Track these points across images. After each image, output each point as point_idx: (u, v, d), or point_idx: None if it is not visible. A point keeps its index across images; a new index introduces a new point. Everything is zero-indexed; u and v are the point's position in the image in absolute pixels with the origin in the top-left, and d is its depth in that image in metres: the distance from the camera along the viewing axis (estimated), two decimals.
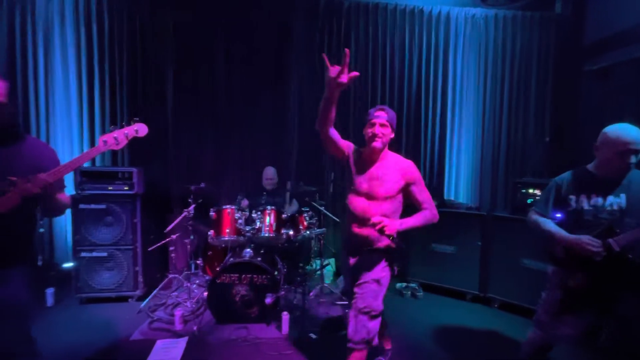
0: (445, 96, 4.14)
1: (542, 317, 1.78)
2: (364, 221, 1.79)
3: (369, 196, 1.80)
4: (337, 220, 3.64)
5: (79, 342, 2.45)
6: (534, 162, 4.01)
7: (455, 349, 2.48)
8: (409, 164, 1.86)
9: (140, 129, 1.53)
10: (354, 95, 4.09)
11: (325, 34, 4.02)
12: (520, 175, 3.88)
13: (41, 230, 3.61)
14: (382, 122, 1.78)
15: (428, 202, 1.85)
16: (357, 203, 1.83)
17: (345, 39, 4.04)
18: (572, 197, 1.70)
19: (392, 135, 1.84)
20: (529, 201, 3.02)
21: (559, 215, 1.76)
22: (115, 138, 1.46)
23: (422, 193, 1.86)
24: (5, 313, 1.33)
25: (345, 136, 4.35)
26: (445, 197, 3.99)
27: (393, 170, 1.82)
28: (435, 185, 4.15)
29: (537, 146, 4.01)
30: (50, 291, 3.04)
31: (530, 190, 3.05)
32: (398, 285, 3.50)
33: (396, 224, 1.71)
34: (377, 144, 1.77)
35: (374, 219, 1.66)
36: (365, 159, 1.86)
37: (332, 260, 3.79)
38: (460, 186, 4.21)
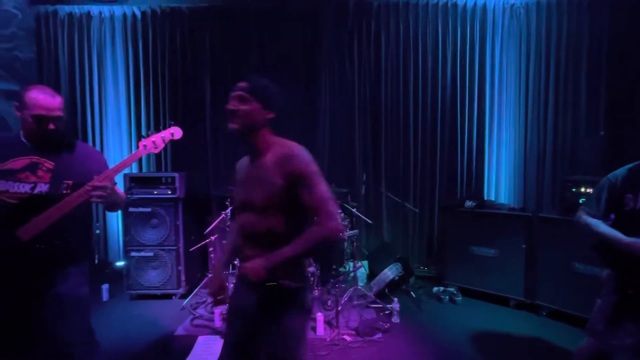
0: (483, 92, 3.93)
1: (597, 326, 1.64)
2: (249, 244, 1.28)
3: (248, 207, 1.27)
4: (370, 222, 3.61)
5: (131, 335, 2.65)
6: (586, 158, 3.66)
7: (499, 358, 2.35)
8: (288, 151, 1.23)
9: (175, 132, 1.61)
10: (384, 97, 4.03)
11: (355, 34, 4.01)
12: (570, 172, 3.57)
13: (97, 231, 3.98)
14: (240, 95, 1.29)
15: (321, 210, 1.18)
16: (239, 219, 1.33)
17: (376, 38, 4.00)
18: (629, 195, 1.54)
19: (269, 115, 1.30)
20: (580, 200, 2.78)
21: (612, 215, 1.60)
22: (153, 142, 1.55)
23: (312, 195, 1.19)
24: (68, 306, 1.48)
25: (375, 139, 4.26)
26: (485, 198, 3.79)
27: (271, 165, 1.24)
28: (474, 185, 3.96)
29: (590, 141, 3.67)
30: (105, 287, 3.33)
31: (582, 189, 2.81)
32: (435, 289, 3.38)
33: (260, 266, 1.15)
34: (232, 125, 1.26)
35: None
36: (247, 158, 1.39)
37: (365, 263, 3.75)
38: (501, 186, 3.97)
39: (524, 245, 3.02)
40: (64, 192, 1.44)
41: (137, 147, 1.55)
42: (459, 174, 3.99)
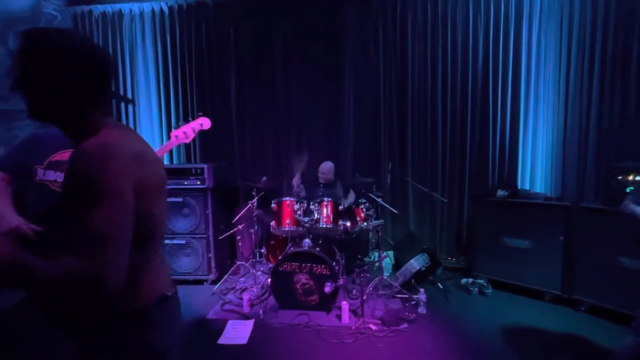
0: (518, 74, 3.68)
1: None
2: None
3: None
4: (395, 212, 3.55)
5: None
6: (636, 143, 3.34)
7: (530, 353, 2.26)
8: (81, 149, 0.77)
9: (204, 122, 1.69)
10: (411, 83, 3.89)
11: (379, 20, 3.88)
12: (617, 159, 3.28)
13: None
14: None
15: (85, 238, 0.74)
16: None
17: (402, 24, 3.85)
18: None
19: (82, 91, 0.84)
20: (628, 190, 2.56)
21: None
22: (184, 132, 1.63)
23: (84, 212, 0.74)
24: None
25: (402, 126, 4.16)
26: (519, 187, 3.59)
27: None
28: (506, 173, 3.76)
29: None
30: None
31: (630, 177, 2.58)
32: (464, 280, 3.29)
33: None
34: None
35: None
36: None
37: (390, 253, 3.72)
38: (537, 174, 3.73)
39: (561, 237, 2.85)
40: None
41: (169, 138, 1.63)
42: (491, 161, 3.80)
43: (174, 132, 1.64)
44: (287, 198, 3.12)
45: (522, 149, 3.75)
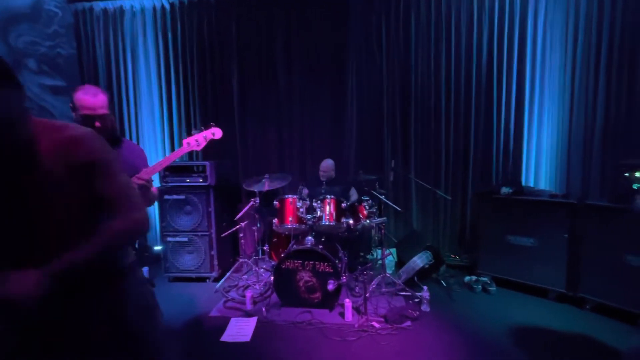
0: (523, 69, 3.63)
1: None
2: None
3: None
4: (398, 209, 3.53)
5: (169, 315, 2.80)
6: None
7: (535, 352, 2.24)
8: (73, 135, 0.96)
9: (216, 132, 1.74)
10: (414, 80, 3.85)
11: (382, 15, 3.84)
12: (624, 156, 3.23)
13: None
14: None
15: (123, 199, 1.01)
16: None
17: (405, 17, 3.81)
18: None
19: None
20: (635, 187, 2.53)
21: None
22: (196, 140, 1.68)
23: (111, 181, 0.99)
24: None
25: (405, 122, 4.12)
26: (524, 184, 3.56)
27: (48, 154, 0.93)
28: (511, 170, 3.73)
29: None
30: (145, 270, 3.54)
31: (638, 174, 2.55)
32: (467, 278, 3.27)
33: (31, 283, 0.85)
34: None
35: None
36: None
37: (393, 250, 3.70)
38: (541, 171, 3.69)
39: (566, 235, 2.82)
40: None
41: (173, 140, 1.68)
42: (495, 158, 3.76)
43: (185, 140, 1.70)
44: (290, 195, 3.11)
45: (526, 146, 3.71)
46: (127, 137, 4.24)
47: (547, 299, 2.93)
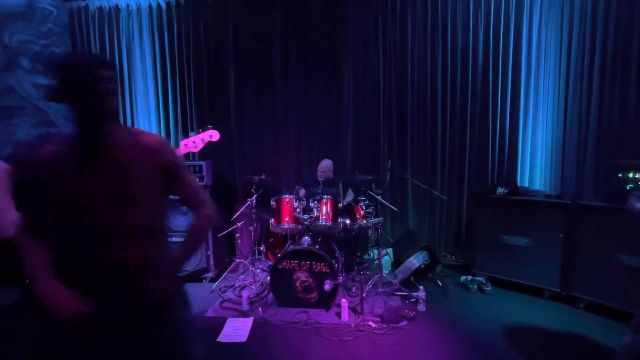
0: (518, 70, 3.67)
1: None
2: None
3: (117, 202, 1.05)
4: (395, 209, 3.54)
5: None
6: (637, 140, 3.32)
7: (529, 350, 2.26)
8: (159, 140, 1.13)
9: (213, 135, 1.78)
10: (411, 79, 3.87)
11: (379, 14, 3.86)
12: (617, 156, 3.27)
13: None
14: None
15: (195, 196, 1.18)
16: (88, 220, 1.01)
17: (402, 17, 3.83)
18: None
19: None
20: (628, 187, 2.56)
21: None
22: (194, 142, 1.72)
23: (185, 181, 1.14)
24: None
25: (401, 123, 4.12)
26: (519, 184, 3.59)
27: (138, 154, 1.08)
28: (506, 171, 3.76)
29: None
30: None
31: (631, 174, 2.58)
32: (462, 278, 3.30)
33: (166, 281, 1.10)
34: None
35: None
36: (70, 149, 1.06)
37: (390, 250, 3.72)
38: (536, 171, 3.73)
39: (561, 235, 2.85)
40: None
41: (178, 146, 1.72)
42: (490, 158, 3.79)
43: (183, 141, 1.74)
44: (287, 195, 3.11)
45: (521, 146, 3.74)
46: None
47: (542, 298, 2.96)
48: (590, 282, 2.71)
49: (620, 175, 2.62)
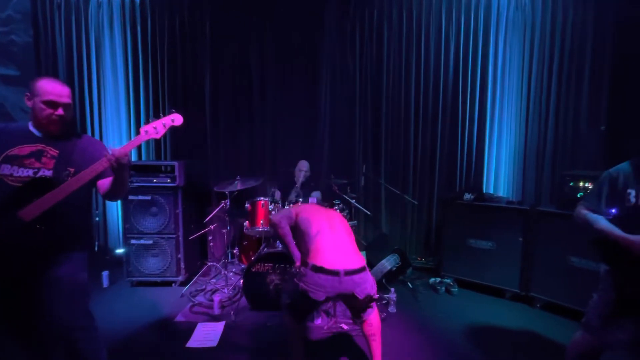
0: (485, 84, 3.90)
1: (593, 321, 1.65)
2: None
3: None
4: (369, 213, 3.62)
5: (131, 320, 2.69)
6: (587, 153, 3.65)
7: (491, 349, 2.39)
8: None
9: (176, 119, 1.63)
10: (386, 89, 4.00)
11: (357, 23, 3.96)
12: (570, 167, 3.57)
13: (97, 219, 3.99)
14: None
15: None
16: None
17: (378, 27, 3.95)
18: (631, 191, 1.53)
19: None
20: (579, 195, 2.79)
21: (613, 211, 1.60)
22: (154, 127, 1.58)
23: None
24: (67, 289, 1.50)
25: (376, 130, 4.21)
26: (484, 191, 3.80)
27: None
28: (473, 178, 3.97)
29: (591, 135, 3.65)
30: (105, 274, 3.36)
31: (581, 184, 2.82)
32: (431, 280, 3.42)
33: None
34: None
35: None
36: None
37: (363, 253, 3.77)
38: (500, 179, 3.97)
39: (520, 239, 3.04)
40: (66, 178, 1.47)
41: (138, 132, 1.58)
42: (459, 166, 3.99)
43: (143, 127, 1.58)
44: (262, 198, 3.09)
45: (487, 156, 3.97)
46: (90, 133, 4.00)
47: (504, 298, 3.13)
48: (546, 283, 2.91)
49: (572, 184, 2.85)
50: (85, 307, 1.59)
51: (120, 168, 1.45)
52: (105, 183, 1.58)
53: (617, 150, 3.49)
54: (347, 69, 4.01)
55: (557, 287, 2.83)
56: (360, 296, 1.75)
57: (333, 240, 1.86)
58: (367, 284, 1.80)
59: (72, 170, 1.51)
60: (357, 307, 1.88)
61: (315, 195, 3.67)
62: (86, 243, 1.68)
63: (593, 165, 3.52)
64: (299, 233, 1.97)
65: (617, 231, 1.51)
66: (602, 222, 1.57)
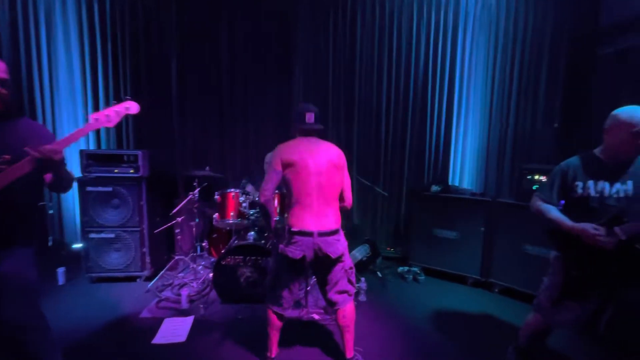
0: (453, 79, 4.04)
1: (543, 302, 1.80)
2: None
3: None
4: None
5: (90, 318, 2.54)
6: (542, 148, 3.91)
7: (453, 332, 2.53)
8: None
9: (131, 107, 1.52)
10: (359, 79, 4.02)
11: (330, 15, 3.92)
12: (527, 161, 3.81)
13: (50, 211, 3.70)
14: None
15: None
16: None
17: (352, 20, 3.95)
18: (579, 183, 1.67)
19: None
20: (534, 187, 2.99)
21: (562, 201, 1.73)
22: (107, 115, 1.46)
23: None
24: (13, 289, 1.37)
25: (348, 123, 4.23)
26: (450, 183, 3.97)
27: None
28: (440, 171, 4.13)
29: (545, 132, 3.92)
30: (61, 270, 3.13)
31: (537, 177, 3.02)
32: (400, 269, 3.55)
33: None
34: None
35: None
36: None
37: None
38: (465, 172, 4.17)
39: (482, 228, 3.22)
40: (1, 167, 1.31)
41: (87, 120, 1.44)
42: (427, 159, 4.13)
43: (93, 115, 1.45)
44: (232, 189, 3.02)
45: (454, 150, 4.14)
46: (41, 119, 3.66)
47: (466, 285, 3.32)
48: (503, 269, 3.12)
49: (528, 177, 3.05)
50: (35, 306, 1.46)
51: (51, 166, 1.31)
52: (48, 175, 1.45)
53: (567, 146, 3.78)
54: (320, 62, 3.99)
55: (514, 273, 3.04)
56: (333, 255, 1.86)
57: (310, 207, 1.89)
58: (340, 245, 1.91)
59: (7, 158, 1.33)
60: (332, 276, 1.94)
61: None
62: (34, 238, 1.52)
63: (547, 160, 3.79)
64: (285, 186, 1.98)
65: (566, 220, 1.65)
66: (553, 212, 1.71)
